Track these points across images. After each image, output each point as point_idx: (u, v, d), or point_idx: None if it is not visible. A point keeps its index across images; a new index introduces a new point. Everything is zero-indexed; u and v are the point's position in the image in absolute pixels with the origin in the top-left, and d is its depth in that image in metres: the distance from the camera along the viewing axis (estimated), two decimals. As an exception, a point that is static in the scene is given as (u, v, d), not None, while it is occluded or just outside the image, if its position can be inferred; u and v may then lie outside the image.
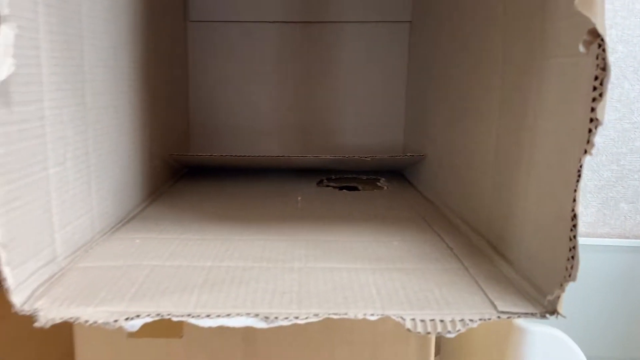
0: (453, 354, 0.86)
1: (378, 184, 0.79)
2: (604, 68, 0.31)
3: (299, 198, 0.69)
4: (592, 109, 0.32)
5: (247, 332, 0.47)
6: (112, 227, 0.54)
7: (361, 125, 0.91)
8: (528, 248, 0.41)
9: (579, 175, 0.33)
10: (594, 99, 0.32)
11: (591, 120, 0.32)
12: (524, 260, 0.41)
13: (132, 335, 0.48)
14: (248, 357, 0.47)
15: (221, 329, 0.46)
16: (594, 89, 0.32)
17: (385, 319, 0.45)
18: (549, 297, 0.35)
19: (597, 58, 0.31)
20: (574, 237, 0.33)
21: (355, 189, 0.76)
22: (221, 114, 0.91)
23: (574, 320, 0.57)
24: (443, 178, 0.66)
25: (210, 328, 0.45)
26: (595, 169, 0.93)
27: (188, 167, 0.85)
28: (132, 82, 0.61)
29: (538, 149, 0.40)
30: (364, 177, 0.83)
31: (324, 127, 0.92)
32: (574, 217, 0.33)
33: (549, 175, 0.38)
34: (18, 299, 0.36)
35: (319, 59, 0.90)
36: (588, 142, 0.32)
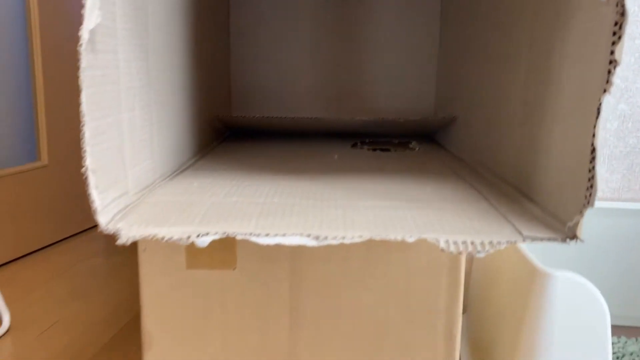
0: (479, 302, 0.91)
1: (410, 146, 0.84)
2: (623, 13, 0.35)
3: (336, 156, 0.74)
4: (612, 52, 0.36)
5: (294, 265, 0.52)
6: (170, 175, 0.59)
7: (394, 90, 0.95)
8: (551, 186, 0.45)
9: (599, 112, 0.37)
10: (613, 43, 0.35)
11: (610, 61, 0.36)
12: (548, 198, 0.45)
13: (190, 266, 0.54)
14: (294, 288, 0.53)
15: (271, 261, 0.52)
16: (614, 34, 0.35)
17: (420, 255, 0.50)
18: (569, 224, 0.39)
19: (617, 5, 0.35)
20: (593, 168, 0.38)
21: (387, 150, 0.81)
22: (260, 80, 0.96)
23: (600, 280, 0.61)
24: (473, 137, 0.70)
25: (261, 259, 0.51)
26: (621, 136, 0.95)
27: (230, 131, 0.91)
28: (183, 46, 0.66)
29: (562, 94, 0.44)
30: (396, 141, 0.88)
31: (358, 92, 0.96)
32: (593, 150, 0.37)
33: (572, 116, 0.41)
34: (103, 219, 0.41)
35: (353, 24, 0.94)
36: (607, 81, 0.36)
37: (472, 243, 0.39)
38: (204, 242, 0.40)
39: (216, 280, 0.53)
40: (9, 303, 1.31)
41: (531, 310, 0.63)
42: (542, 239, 0.40)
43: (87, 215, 2.08)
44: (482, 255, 0.38)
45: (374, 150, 0.80)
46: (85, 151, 0.39)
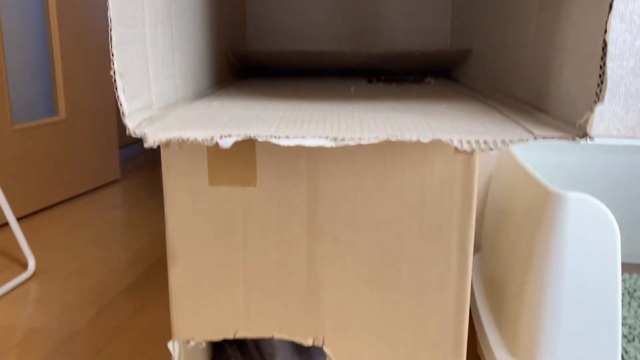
0: (492, 241, 0.92)
1: (425, 80, 0.84)
2: None
3: (352, 88, 0.75)
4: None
5: (312, 181, 0.54)
6: (190, 98, 0.61)
7: (409, 25, 0.96)
8: (563, 95, 0.46)
9: (611, 7, 0.38)
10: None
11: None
12: (559, 106, 0.46)
13: (213, 183, 0.56)
14: (312, 203, 0.55)
15: (290, 177, 0.53)
16: None
17: (433, 170, 0.51)
18: (580, 121, 0.41)
19: None
20: (604, 64, 0.38)
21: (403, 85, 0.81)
22: (274, 16, 0.97)
23: (617, 217, 0.62)
24: (487, 68, 0.71)
25: (280, 176, 0.53)
26: (638, 74, 0.95)
27: (245, 68, 0.92)
28: (202, -27, 0.67)
29: (575, 2, 0.44)
30: (412, 77, 0.88)
31: (373, 28, 0.96)
32: (605, 46, 0.38)
33: (586, 15, 0.42)
34: (131, 123, 0.43)
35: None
36: (620, -24, 0.37)
37: (485, 142, 0.41)
38: (227, 142, 0.41)
39: (237, 197, 0.55)
40: (33, 251, 1.35)
41: (543, 232, 0.64)
42: (553, 137, 0.41)
43: (106, 169, 2.12)
44: (494, 152, 0.40)
45: (390, 84, 0.81)
46: (112, 55, 0.41)
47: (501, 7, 0.66)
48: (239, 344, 0.73)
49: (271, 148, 0.53)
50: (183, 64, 0.59)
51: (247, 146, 0.53)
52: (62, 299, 1.19)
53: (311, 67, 0.90)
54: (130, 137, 2.54)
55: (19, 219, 1.34)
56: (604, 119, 0.98)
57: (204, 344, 0.64)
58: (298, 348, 0.71)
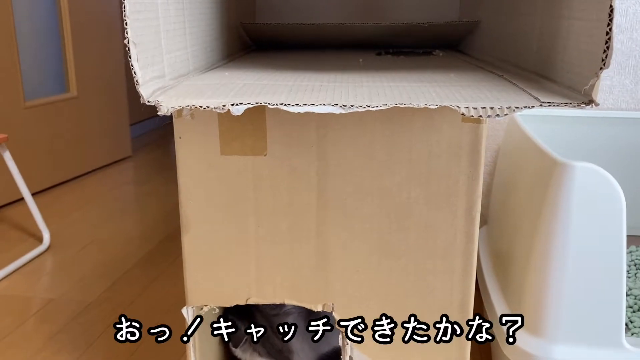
0: (499, 213, 0.93)
1: (433, 53, 0.84)
2: None
3: (361, 60, 0.75)
4: None
5: (321, 150, 0.55)
6: (202, 70, 0.62)
7: (418, 1, 0.95)
8: (570, 62, 0.46)
9: (618, -27, 0.38)
10: None
11: None
12: (566, 74, 0.47)
13: (224, 152, 0.57)
14: (321, 172, 0.56)
15: (299, 146, 0.54)
16: None
17: (441, 138, 0.52)
18: (585, 88, 0.41)
19: None
20: (611, 29, 0.39)
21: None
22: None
23: (623, 188, 0.62)
24: (496, 39, 0.71)
25: (290, 145, 0.54)
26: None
27: (255, 42, 0.92)
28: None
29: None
30: (420, 51, 0.89)
31: (383, 3, 0.96)
32: (612, 10, 0.39)
33: (593, -14, 0.43)
34: (145, 92, 0.44)
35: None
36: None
37: (492, 108, 0.41)
38: (238, 110, 0.42)
39: (248, 165, 0.56)
40: (48, 225, 1.38)
41: (550, 201, 0.65)
42: (559, 104, 0.42)
43: (117, 146, 2.14)
44: (501, 118, 0.40)
45: (398, 57, 0.82)
46: (126, 24, 0.42)
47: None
48: (252, 323, 0.75)
49: (281, 117, 0.54)
50: (194, 36, 0.60)
51: (258, 116, 0.54)
52: (77, 271, 1.22)
53: (320, 41, 0.91)
54: (140, 114, 2.55)
55: (33, 194, 1.37)
56: (613, 92, 0.98)
57: (217, 310, 0.66)
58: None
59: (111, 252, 1.34)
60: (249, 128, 0.55)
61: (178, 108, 0.43)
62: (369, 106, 0.42)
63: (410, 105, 0.42)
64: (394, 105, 0.42)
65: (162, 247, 1.36)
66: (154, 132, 2.69)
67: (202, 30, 0.63)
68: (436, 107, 0.42)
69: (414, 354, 0.58)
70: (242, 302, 0.60)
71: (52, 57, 1.90)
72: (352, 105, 0.42)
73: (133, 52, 0.42)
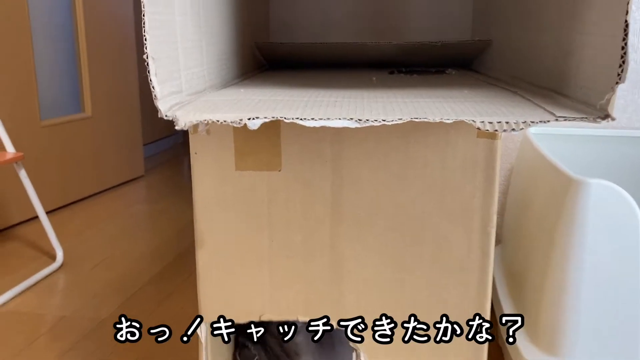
0: (513, 232, 0.93)
1: (446, 72, 0.85)
2: None
3: (374, 78, 0.76)
4: None
5: (336, 165, 0.55)
6: (218, 87, 0.63)
7: (430, 21, 0.96)
8: (584, 78, 0.47)
9: (632, -12, 0.38)
10: None
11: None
12: (580, 89, 0.47)
13: (239, 168, 0.57)
14: (336, 186, 0.56)
15: (314, 161, 0.55)
16: None
17: (456, 153, 0.52)
18: (601, 102, 0.41)
19: None
20: (626, 44, 0.39)
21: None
22: (297, 11, 0.98)
23: (637, 200, 0.62)
24: (508, 56, 0.71)
25: (304, 160, 0.54)
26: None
27: (269, 62, 0.93)
28: (228, -34, 0.68)
29: (598, -15, 0.45)
30: (433, 70, 0.89)
31: (395, 23, 0.97)
32: (627, 25, 0.39)
33: (607, 4, 0.43)
34: (163, 106, 0.45)
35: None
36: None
37: (507, 122, 0.41)
38: (254, 124, 0.43)
39: (263, 180, 0.56)
40: (61, 243, 1.39)
41: (565, 219, 0.65)
42: (574, 118, 0.42)
43: (130, 166, 2.16)
44: (516, 132, 0.41)
45: (411, 75, 0.82)
46: (145, 39, 0.42)
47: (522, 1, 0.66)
48: (262, 343, 0.74)
49: (296, 133, 0.54)
50: (210, 54, 0.61)
51: (273, 132, 0.55)
52: (90, 289, 1.22)
53: (333, 60, 0.92)
54: (153, 134, 2.57)
55: (47, 212, 1.38)
56: (627, 111, 0.97)
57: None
58: (321, 348, 0.72)
59: (124, 269, 1.34)
60: (264, 144, 0.56)
61: (195, 122, 0.44)
62: (385, 120, 0.43)
63: (425, 120, 0.43)
64: (409, 119, 0.43)
65: (175, 265, 1.36)
66: (166, 151, 2.71)
67: (218, 48, 0.64)
68: (452, 121, 0.42)
69: (415, 355, 0.58)
70: (255, 319, 0.60)
71: (68, 78, 1.93)
72: (367, 120, 0.43)
73: (152, 67, 0.43)
